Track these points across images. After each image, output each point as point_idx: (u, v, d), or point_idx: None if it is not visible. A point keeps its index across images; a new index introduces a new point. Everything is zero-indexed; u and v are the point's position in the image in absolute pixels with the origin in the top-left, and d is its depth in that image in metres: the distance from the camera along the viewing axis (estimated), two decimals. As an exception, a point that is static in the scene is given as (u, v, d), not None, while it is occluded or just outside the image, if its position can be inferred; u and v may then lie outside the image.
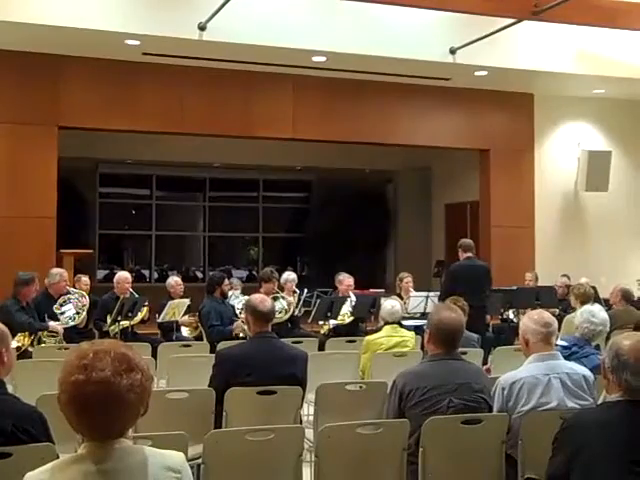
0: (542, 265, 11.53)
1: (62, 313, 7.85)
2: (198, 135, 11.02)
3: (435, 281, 13.74)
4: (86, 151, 12.48)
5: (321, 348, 6.95)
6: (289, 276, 9.14)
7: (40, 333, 7.46)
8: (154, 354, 6.33)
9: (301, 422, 4.48)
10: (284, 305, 8.61)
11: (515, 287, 9.92)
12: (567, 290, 9.22)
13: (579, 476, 2.72)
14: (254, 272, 16.47)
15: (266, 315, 4.51)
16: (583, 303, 6.52)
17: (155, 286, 13.46)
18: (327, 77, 10.59)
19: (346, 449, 3.54)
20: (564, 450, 2.79)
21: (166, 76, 10.04)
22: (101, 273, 15.19)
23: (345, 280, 9.13)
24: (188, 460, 2.26)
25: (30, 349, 7.10)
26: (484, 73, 10.55)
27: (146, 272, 16.11)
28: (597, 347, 4.96)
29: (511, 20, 9.16)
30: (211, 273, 12.48)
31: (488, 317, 8.98)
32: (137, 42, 9.07)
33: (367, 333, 7.40)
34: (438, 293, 8.92)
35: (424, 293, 9.31)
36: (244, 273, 16.81)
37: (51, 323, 7.61)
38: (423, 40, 9.78)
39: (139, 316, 8.26)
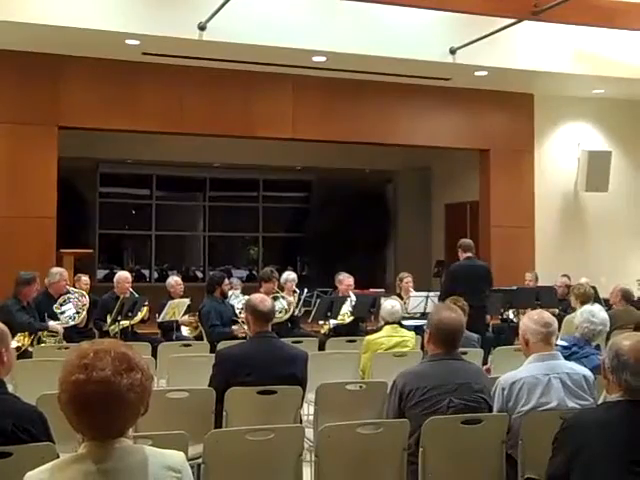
0: (542, 265, 11.53)
1: (62, 313, 7.85)
2: (198, 135, 11.02)
3: (435, 281, 13.74)
4: (86, 151, 12.48)
5: (321, 348, 6.94)
6: (289, 276, 9.14)
7: (40, 333, 7.46)
8: (154, 354, 6.33)
9: (301, 422, 4.48)
10: (284, 305, 8.61)
11: (515, 287, 9.91)
12: (567, 290, 9.22)
13: (579, 476, 2.72)
14: (254, 272, 16.47)
15: (266, 315, 4.51)
16: (583, 303, 6.52)
17: (155, 286, 13.46)
18: (327, 77, 10.59)
19: (346, 449, 3.54)
20: (564, 450, 2.79)
21: (166, 76, 10.04)
22: (101, 273, 15.19)
23: (345, 280, 9.13)
24: (188, 460, 2.26)
25: (30, 349, 7.10)
26: (484, 73, 10.56)
27: (146, 272, 16.11)
28: (597, 347, 4.96)
29: (511, 20, 9.16)
30: (211, 273, 12.50)
31: (488, 317, 8.98)
32: (137, 42, 9.07)
33: (367, 333, 7.40)
34: (438, 293, 8.92)
35: (424, 293, 9.31)
36: (244, 273, 16.81)
37: (51, 323, 7.61)
38: (423, 40, 9.78)
39: (139, 316, 8.26)
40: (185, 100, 10.21)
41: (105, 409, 1.94)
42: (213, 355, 4.80)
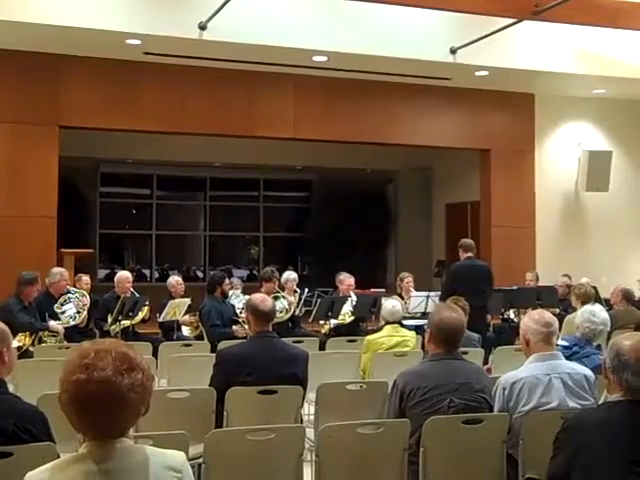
0: (543, 265, 11.52)
1: (63, 312, 7.85)
2: (199, 135, 11.02)
3: (436, 281, 13.74)
4: (87, 151, 12.48)
5: (322, 348, 6.95)
6: (290, 276, 9.14)
7: (41, 332, 7.46)
8: (155, 353, 6.33)
9: (302, 422, 4.48)
10: (285, 305, 8.61)
11: (516, 287, 9.92)
12: (568, 290, 9.22)
13: (580, 476, 2.71)
14: (255, 272, 16.47)
15: (267, 315, 4.51)
16: (584, 303, 6.52)
17: (156, 285, 13.45)
18: (328, 77, 10.58)
19: (347, 449, 3.54)
20: (565, 450, 2.79)
21: (167, 76, 10.04)
22: (102, 272, 15.19)
23: (346, 280, 9.14)
24: (189, 459, 2.26)
25: (31, 348, 7.10)
26: (485, 73, 10.55)
27: (147, 271, 16.11)
28: (598, 347, 4.96)
29: (512, 20, 9.15)
30: (212, 272, 12.50)
31: (489, 317, 8.97)
32: (138, 42, 9.07)
33: (368, 333, 7.39)
34: (439, 293, 8.92)
35: (425, 293, 9.31)
36: (245, 273, 16.81)
37: (52, 323, 7.61)
38: (424, 40, 9.77)
39: (140, 315, 8.26)
40: (186, 100, 10.20)
41: (106, 409, 1.94)
42: (214, 355, 4.79)
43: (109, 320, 8.06)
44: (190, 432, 3.36)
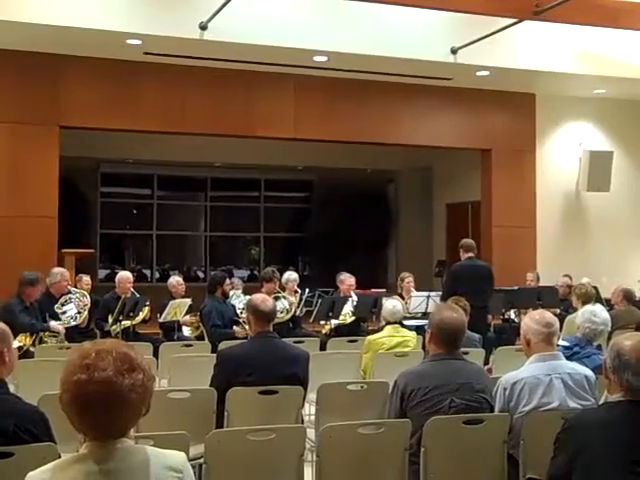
0: (543, 265, 11.52)
1: (63, 313, 7.85)
2: (199, 135, 11.02)
3: (436, 281, 13.74)
4: (87, 151, 12.48)
5: (322, 348, 6.95)
6: (290, 276, 9.14)
7: (41, 333, 7.46)
8: (155, 354, 6.33)
9: (302, 422, 4.48)
10: (285, 305, 8.61)
11: (516, 287, 9.91)
12: (568, 290, 9.22)
13: (580, 476, 2.71)
14: (255, 272, 16.46)
15: (267, 315, 4.51)
16: (584, 303, 6.52)
17: (156, 286, 13.45)
18: (328, 77, 10.58)
19: (347, 449, 3.54)
20: (565, 450, 2.79)
21: (167, 76, 10.04)
22: (102, 273, 15.19)
23: (346, 280, 9.13)
24: (190, 460, 2.26)
25: (32, 349, 7.09)
26: (486, 73, 10.55)
27: (147, 272, 16.11)
28: (599, 347, 4.96)
29: (512, 20, 9.15)
30: (212, 273, 12.48)
31: (490, 317, 8.97)
32: (138, 42, 9.07)
33: (368, 333, 7.40)
34: (439, 293, 8.92)
35: (425, 293, 9.31)
36: (245, 273, 16.80)
37: (52, 323, 7.60)
38: (424, 40, 9.77)
39: (140, 316, 8.26)
40: (186, 100, 10.21)
41: (107, 409, 1.94)
42: (214, 355, 4.79)
43: (110, 320, 8.06)
44: (191, 432, 3.36)
